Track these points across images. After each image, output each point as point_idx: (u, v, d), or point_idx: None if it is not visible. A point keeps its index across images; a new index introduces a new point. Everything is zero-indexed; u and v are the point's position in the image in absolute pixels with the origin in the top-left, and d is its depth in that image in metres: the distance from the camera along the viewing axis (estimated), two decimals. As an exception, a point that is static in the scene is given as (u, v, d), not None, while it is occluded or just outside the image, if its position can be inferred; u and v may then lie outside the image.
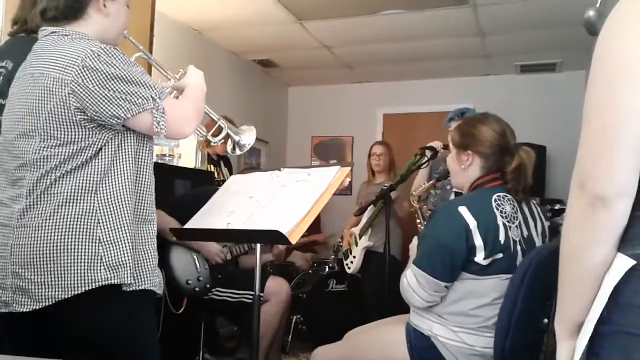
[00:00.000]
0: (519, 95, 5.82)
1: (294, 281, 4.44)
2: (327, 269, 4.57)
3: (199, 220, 2.00)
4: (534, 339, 1.74)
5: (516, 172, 1.85)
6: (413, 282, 1.82)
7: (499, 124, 1.93)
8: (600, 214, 0.85)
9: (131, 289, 1.43)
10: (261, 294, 1.96)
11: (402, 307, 2.07)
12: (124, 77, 1.39)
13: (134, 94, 1.40)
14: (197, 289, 2.75)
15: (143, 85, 1.42)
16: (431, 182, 3.10)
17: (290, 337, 4.17)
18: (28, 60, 1.50)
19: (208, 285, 2.79)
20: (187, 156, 3.68)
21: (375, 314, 3.23)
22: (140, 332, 1.50)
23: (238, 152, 1.95)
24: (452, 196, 3.40)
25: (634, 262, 0.84)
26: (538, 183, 4.97)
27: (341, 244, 4.27)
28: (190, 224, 2.02)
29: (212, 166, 4.10)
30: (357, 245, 4.02)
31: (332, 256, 4.69)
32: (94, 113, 1.38)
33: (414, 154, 3.41)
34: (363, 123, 6.55)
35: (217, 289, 2.87)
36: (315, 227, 5.44)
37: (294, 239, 1.64)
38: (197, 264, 2.78)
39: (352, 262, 4.03)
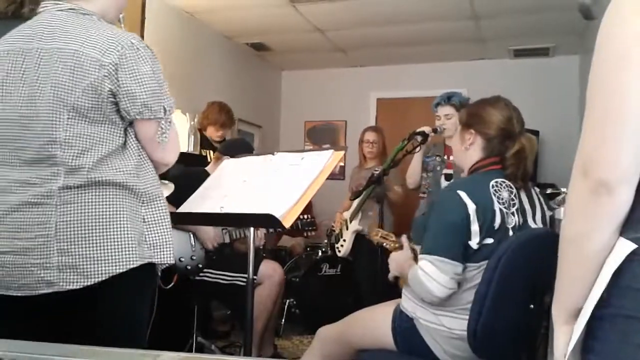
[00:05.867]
0: (513, 80, 5.80)
1: (287, 265, 4.46)
2: (320, 253, 4.59)
3: (192, 204, 2.00)
4: (510, 323, 1.75)
5: (516, 157, 1.84)
6: (431, 269, 1.74)
7: (507, 109, 1.91)
8: (604, 200, 0.85)
9: (162, 267, 1.53)
10: (254, 277, 1.97)
11: (395, 292, 2.08)
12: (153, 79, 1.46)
13: (156, 97, 1.46)
14: (188, 267, 2.75)
15: (163, 94, 1.48)
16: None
17: (283, 320, 4.20)
18: (40, 33, 1.43)
19: (200, 266, 2.79)
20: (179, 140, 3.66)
21: (369, 298, 3.25)
22: (146, 306, 1.57)
23: None
24: (443, 179, 3.42)
25: (635, 246, 0.84)
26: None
27: (334, 228, 4.29)
28: (183, 208, 2.01)
29: (211, 152, 4.07)
30: (347, 229, 4.03)
31: (325, 240, 4.71)
32: (119, 102, 1.44)
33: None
34: (356, 107, 6.52)
35: (211, 270, 2.87)
36: (308, 211, 5.43)
37: (287, 223, 1.65)
38: (193, 243, 2.78)
39: (342, 246, 4.05)
